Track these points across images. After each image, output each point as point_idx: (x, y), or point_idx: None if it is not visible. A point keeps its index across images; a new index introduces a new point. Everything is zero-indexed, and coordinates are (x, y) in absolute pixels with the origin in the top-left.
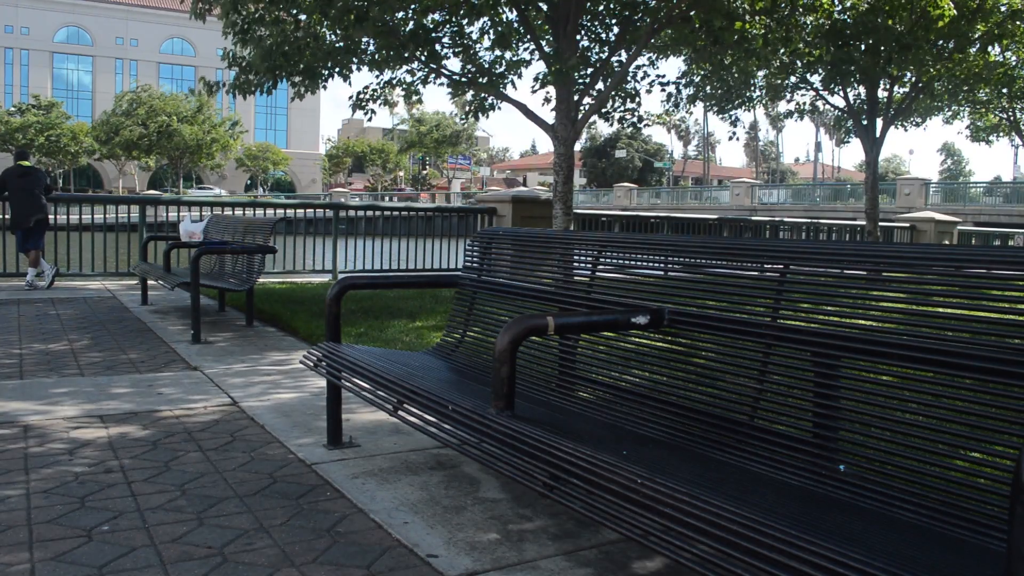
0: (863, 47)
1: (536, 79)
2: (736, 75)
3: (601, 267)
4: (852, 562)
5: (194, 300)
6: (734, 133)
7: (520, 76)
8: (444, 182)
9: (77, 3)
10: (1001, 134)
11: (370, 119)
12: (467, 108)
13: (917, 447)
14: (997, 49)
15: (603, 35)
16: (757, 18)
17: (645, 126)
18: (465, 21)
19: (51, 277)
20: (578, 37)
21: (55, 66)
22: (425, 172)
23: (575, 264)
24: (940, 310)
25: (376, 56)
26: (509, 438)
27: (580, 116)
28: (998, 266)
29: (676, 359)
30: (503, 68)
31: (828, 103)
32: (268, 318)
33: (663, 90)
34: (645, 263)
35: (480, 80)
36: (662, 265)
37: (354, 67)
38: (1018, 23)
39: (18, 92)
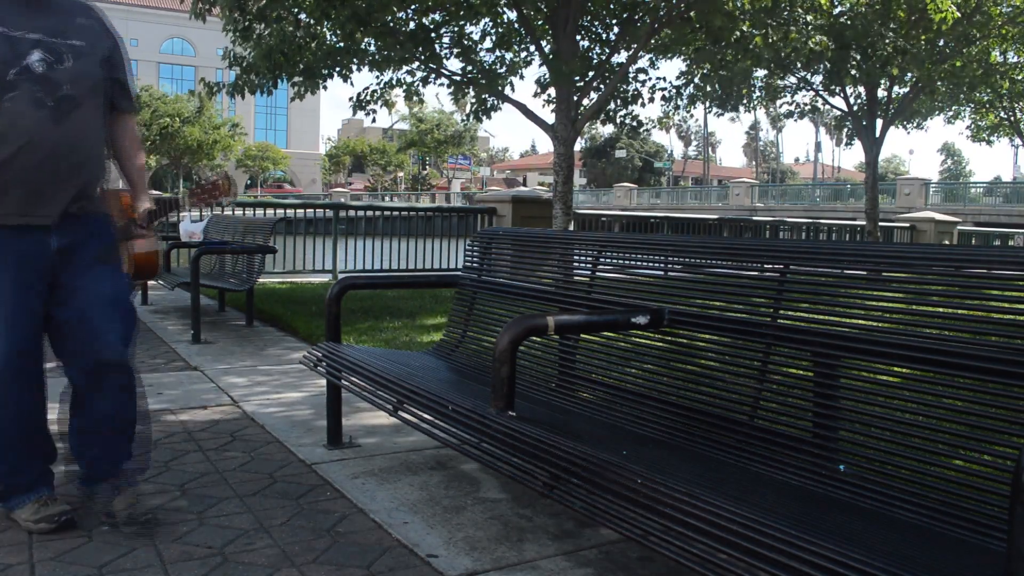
0: (860, 52)
1: (537, 82)
2: (736, 72)
3: (601, 267)
4: (852, 562)
5: (194, 300)
6: (736, 117)
7: (522, 77)
8: (444, 182)
9: None
10: (1001, 134)
11: (373, 120)
12: (469, 111)
13: (917, 447)
14: (997, 51)
15: (603, 35)
16: (756, 17)
17: (645, 131)
18: (464, 22)
19: None
20: (578, 37)
21: None
22: (425, 172)
23: (575, 264)
24: (940, 310)
25: (376, 56)
26: (509, 438)
27: (580, 116)
28: (998, 266)
29: (676, 359)
30: (503, 69)
31: (828, 103)
32: (268, 318)
33: (664, 100)
34: (645, 263)
35: (480, 80)
36: (662, 265)
37: (354, 67)
38: (1019, 26)
39: None
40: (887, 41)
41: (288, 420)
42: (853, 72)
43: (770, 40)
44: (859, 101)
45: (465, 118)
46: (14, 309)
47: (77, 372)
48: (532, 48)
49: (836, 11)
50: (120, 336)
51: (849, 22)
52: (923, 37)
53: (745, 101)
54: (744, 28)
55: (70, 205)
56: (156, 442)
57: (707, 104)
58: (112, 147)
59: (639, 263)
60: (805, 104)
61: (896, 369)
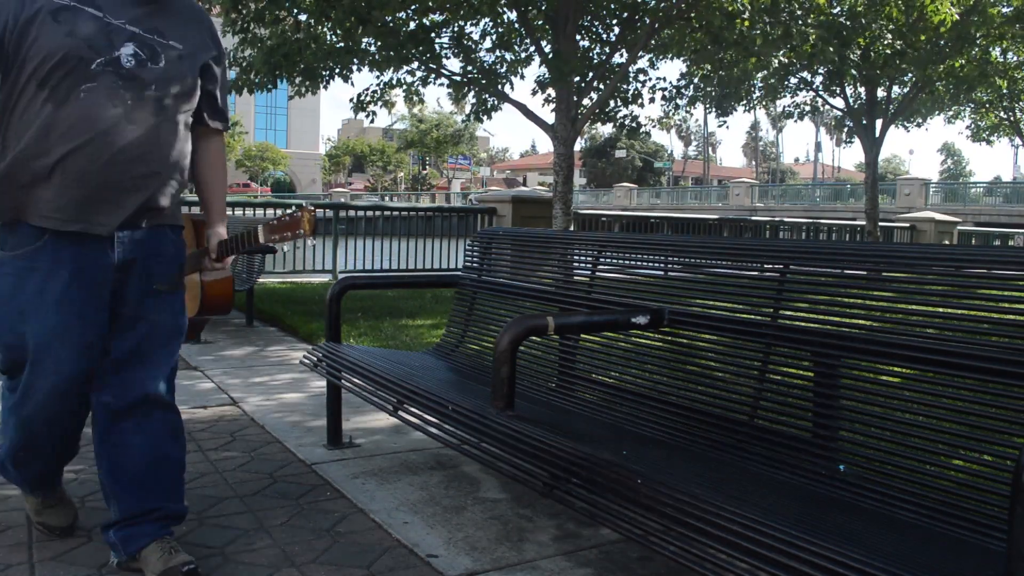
0: (859, 52)
1: (536, 82)
2: (736, 73)
3: (601, 267)
4: (852, 562)
5: None
6: (724, 122)
7: (522, 77)
8: (444, 182)
9: None
10: (1001, 134)
11: (372, 121)
12: (469, 111)
13: (917, 447)
14: (997, 51)
15: (603, 35)
16: (756, 16)
17: (644, 133)
18: (464, 22)
19: None
20: (578, 37)
21: None
22: (425, 172)
23: (575, 264)
24: (940, 310)
25: (376, 56)
26: (509, 438)
27: (580, 116)
28: (998, 266)
29: (676, 359)
30: (504, 69)
31: (828, 103)
32: (268, 318)
33: (664, 99)
34: (645, 263)
35: (480, 80)
36: (662, 265)
37: (354, 67)
38: (1018, 26)
39: None
40: (886, 42)
41: (288, 420)
42: (853, 72)
43: (770, 39)
44: (859, 101)
45: (465, 118)
46: (61, 330)
47: (115, 405)
48: (532, 48)
49: (835, 10)
50: (166, 376)
51: (847, 21)
52: (923, 37)
53: (745, 101)
54: (744, 27)
55: (134, 216)
56: None
57: (707, 104)
58: (193, 164)
59: (639, 263)
60: (805, 104)
61: (896, 369)
